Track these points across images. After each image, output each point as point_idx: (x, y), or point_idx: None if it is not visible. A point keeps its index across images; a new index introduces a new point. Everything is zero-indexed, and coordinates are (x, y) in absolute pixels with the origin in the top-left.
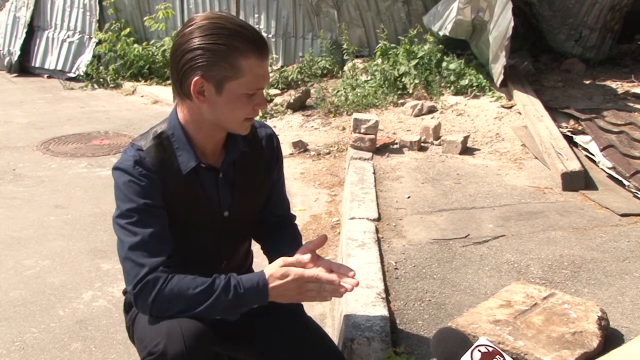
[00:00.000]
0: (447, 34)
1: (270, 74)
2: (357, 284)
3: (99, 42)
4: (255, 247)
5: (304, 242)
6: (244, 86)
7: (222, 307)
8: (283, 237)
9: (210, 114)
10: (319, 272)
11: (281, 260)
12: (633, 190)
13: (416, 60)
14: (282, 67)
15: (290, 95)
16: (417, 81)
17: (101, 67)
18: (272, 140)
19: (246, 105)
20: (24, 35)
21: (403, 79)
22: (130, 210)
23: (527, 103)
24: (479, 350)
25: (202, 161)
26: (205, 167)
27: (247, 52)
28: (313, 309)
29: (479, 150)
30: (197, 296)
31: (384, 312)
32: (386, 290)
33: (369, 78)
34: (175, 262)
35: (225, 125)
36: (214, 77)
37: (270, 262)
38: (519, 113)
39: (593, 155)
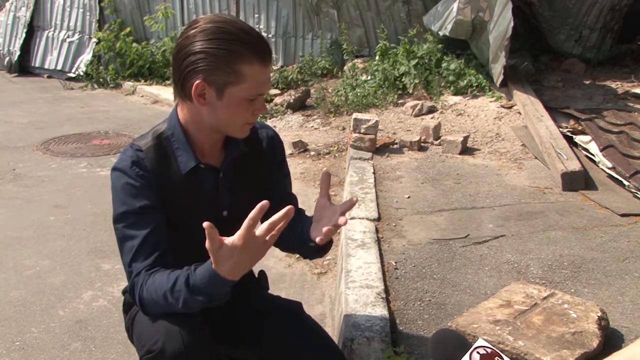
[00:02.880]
0: (447, 34)
1: (270, 74)
2: (352, 205)
3: (98, 42)
4: None
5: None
6: (245, 92)
7: (192, 303)
8: (291, 223)
9: (210, 117)
10: (249, 227)
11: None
12: (633, 191)
13: (416, 60)
14: (282, 67)
15: (290, 95)
16: (417, 81)
17: (101, 67)
18: (274, 141)
19: (246, 110)
20: (24, 35)
21: (403, 79)
22: (124, 213)
23: (527, 103)
24: (478, 352)
25: (201, 161)
26: (204, 168)
27: (250, 58)
28: (313, 309)
29: (479, 150)
30: (168, 296)
31: (384, 312)
32: (386, 290)
33: (369, 78)
34: (167, 261)
35: (225, 129)
36: (216, 82)
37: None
38: (519, 113)
39: (593, 155)
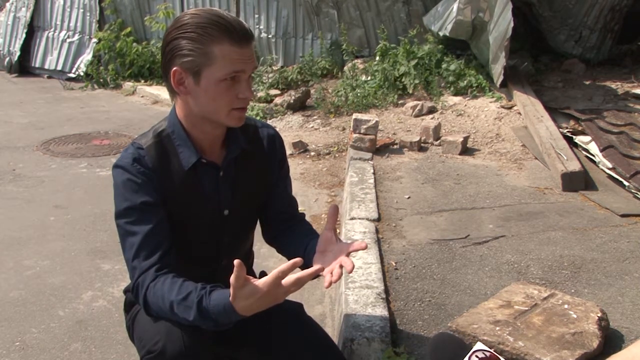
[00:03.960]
0: (447, 34)
1: (270, 74)
2: (360, 248)
3: (99, 42)
4: (255, 247)
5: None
6: (219, 72)
7: (197, 322)
8: (296, 233)
9: (195, 106)
10: (277, 278)
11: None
12: (633, 191)
13: (416, 61)
14: (282, 67)
15: (290, 96)
16: (417, 81)
17: (101, 68)
18: (274, 140)
19: (226, 92)
20: (24, 35)
21: (403, 79)
22: (127, 209)
23: (527, 103)
24: (477, 356)
25: (203, 157)
26: (206, 164)
27: (220, 38)
28: (313, 309)
29: (479, 150)
30: (174, 306)
31: (384, 312)
32: (386, 291)
33: (369, 78)
34: (172, 260)
35: (212, 117)
36: (190, 67)
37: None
38: (519, 113)
39: (593, 155)
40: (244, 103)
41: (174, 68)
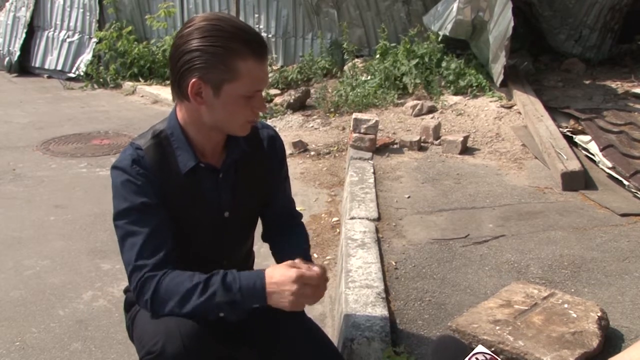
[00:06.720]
0: (447, 34)
1: (270, 74)
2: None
3: (99, 41)
4: (255, 247)
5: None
6: (242, 88)
7: (217, 304)
8: (291, 238)
9: (208, 116)
10: (314, 272)
11: (282, 265)
12: (633, 190)
13: (416, 60)
14: (282, 67)
15: (290, 95)
16: (417, 81)
17: (101, 67)
18: (275, 141)
19: (244, 107)
20: (24, 35)
21: (403, 79)
22: (127, 210)
23: (527, 103)
24: (477, 359)
25: (201, 161)
26: (204, 167)
27: (245, 54)
28: (313, 309)
29: (479, 150)
30: (192, 291)
31: (384, 312)
32: (386, 290)
33: (369, 78)
34: (175, 259)
35: (224, 128)
36: (212, 80)
37: (277, 263)
38: (519, 113)
39: (593, 155)
40: (256, 116)
41: (194, 79)
